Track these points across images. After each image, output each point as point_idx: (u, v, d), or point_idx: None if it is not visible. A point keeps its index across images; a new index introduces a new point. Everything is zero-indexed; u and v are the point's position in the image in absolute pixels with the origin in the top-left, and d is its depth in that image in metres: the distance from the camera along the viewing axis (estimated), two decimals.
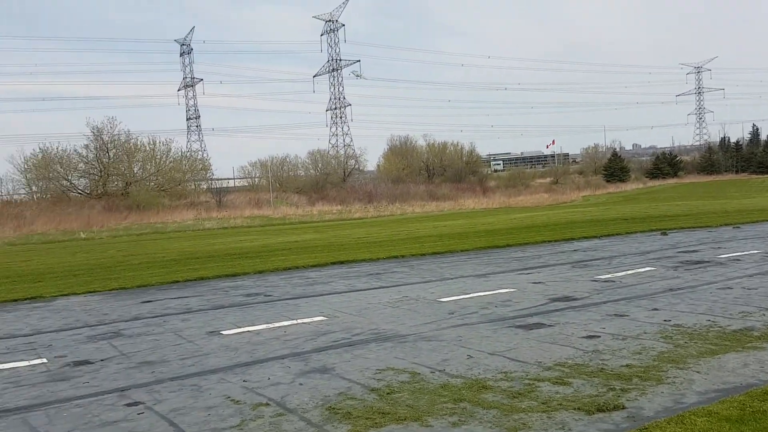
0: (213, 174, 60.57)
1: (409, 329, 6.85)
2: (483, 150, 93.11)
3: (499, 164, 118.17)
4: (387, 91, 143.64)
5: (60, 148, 44.54)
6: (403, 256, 14.19)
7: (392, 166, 66.99)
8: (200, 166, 58.24)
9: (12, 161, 44.42)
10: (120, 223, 35.33)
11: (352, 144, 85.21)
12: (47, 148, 44.16)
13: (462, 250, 14.97)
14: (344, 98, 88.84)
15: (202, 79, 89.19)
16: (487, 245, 15.71)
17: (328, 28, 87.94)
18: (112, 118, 47.08)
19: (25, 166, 43.73)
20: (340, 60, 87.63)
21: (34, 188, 44.22)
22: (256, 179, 60.73)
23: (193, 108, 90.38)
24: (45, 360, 6.22)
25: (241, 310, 8.61)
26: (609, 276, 10.14)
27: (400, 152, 70.65)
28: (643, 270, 10.64)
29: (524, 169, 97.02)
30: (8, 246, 25.56)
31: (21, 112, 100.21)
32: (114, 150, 46.10)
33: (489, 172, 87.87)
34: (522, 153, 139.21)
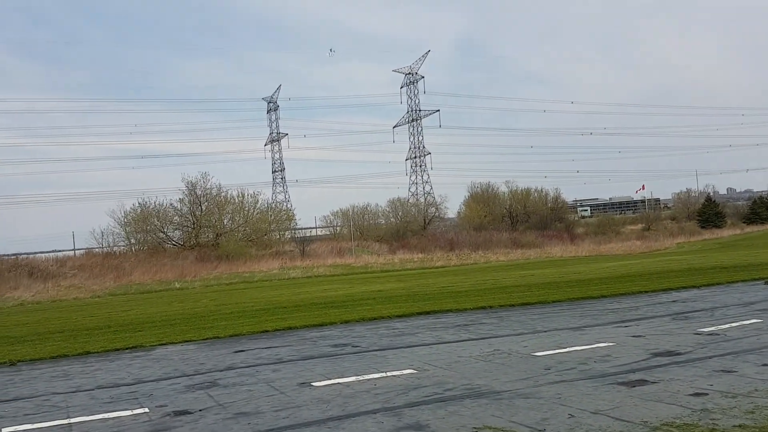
0: (297, 224, 62.14)
1: (504, 385, 6.62)
2: (569, 196, 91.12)
3: (587, 210, 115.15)
4: (467, 138, 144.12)
5: (157, 203, 47.28)
6: (491, 307, 13.88)
7: (474, 214, 66.51)
8: (285, 216, 59.94)
9: (113, 215, 47.18)
10: (211, 272, 36.64)
11: (432, 192, 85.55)
12: (145, 202, 46.92)
13: (553, 301, 14.49)
14: (424, 147, 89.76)
15: (287, 134, 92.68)
16: (580, 296, 15.15)
17: (408, 81, 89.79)
18: (205, 173, 49.72)
19: (125, 220, 46.47)
20: (420, 111, 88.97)
21: (132, 240, 46.77)
22: (338, 228, 61.79)
23: (279, 161, 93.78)
24: (147, 410, 6.41)
25: (330, 360, 8.62)
26: (713, 329, 9.51)
27: (482, 199, 70.13)
28: (748, 322, 9.93)
29: (613, 215, 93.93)
30: (110, 296, 26.97)
31: (122, 168, 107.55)
32: (206, 203, 48.26)
33: (576, 218, 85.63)
34: (610, 198, 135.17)
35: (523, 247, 48.89)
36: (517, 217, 69.80)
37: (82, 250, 48.05)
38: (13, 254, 45.75)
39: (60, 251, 48.11)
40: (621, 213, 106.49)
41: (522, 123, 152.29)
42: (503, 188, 72.97)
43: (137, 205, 47.00)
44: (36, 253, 45.63)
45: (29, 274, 32.38)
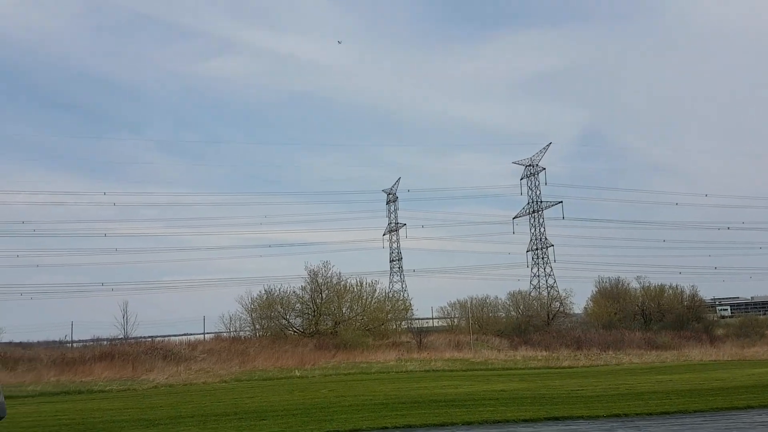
0: (413, 314, 61.82)
1: None
2: (706, 294, 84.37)
3: (726, 310, 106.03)
4: (592, 231, 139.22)
5: (281, 289, 49.00)
6: (626, 415, 12.84)
7: (602, 311, 63.09)
8: (402, 306, 59.94)
9: (241, 301, 49.39)
10: (329, 361, 36.91)
11: (555, 285, 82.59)
12: (270, 289, 48.83)
13: (695, 411, 13.20)
14: (546, 239, 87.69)
15: (405, 224, 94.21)
16: (724, 406, 13.71)
17: (528, 173, 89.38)
18: (327, 261, 51.01)
19: (251, 306, 48.47)
20: (541, 202, 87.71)
21: (257, 326, 48.51)
22: (456, 320, 60.68)
23: (396, 250, 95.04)
24: None
25: None
26: None
27: (611, 295, 66.58)
28: None
29: (756, 315, 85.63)
30: (235, 381, 27.78)
31: (251, 257, 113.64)
32: (326, 291, 49.43)
33: (715, 318, 78.91)
34: (752, 297, 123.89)
35: (658, 349, 45.41)
36: (650, 315, 65.42)
37: (211, 334, 50.46)
38: (150, 337, 48.85)
39: (191, 335, 50.79)
40: (765, 313, 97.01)
41: (652, 216, 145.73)
42: (634, 284, 69.03)
43: (263, 291, 49.01)
44: (170, 336, 48.42)
45: (164, 357, 34.21)
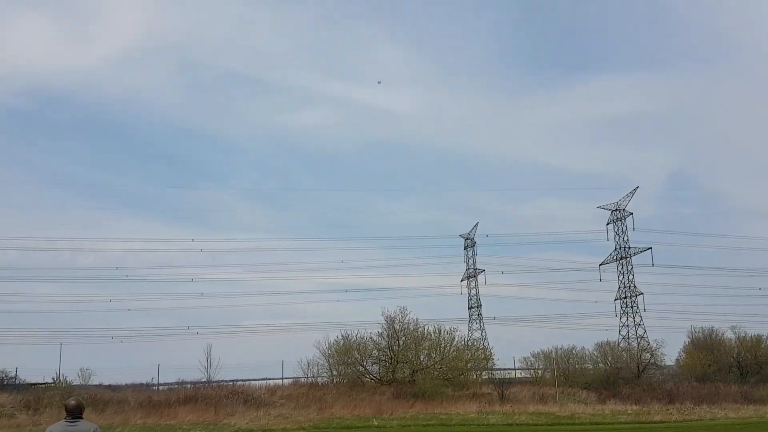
0: (494, 364, 59.96)
1: None
2: None
3: None
4: (684, 278, 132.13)
5: (358, 335, 48.72)
6: None
7: (695, 362, 59.23)
8: (482, 355, 58.33)
9: (318, 346, 49.50)
10: (407, 411, 36.13)
11: (645, 336, 78.44)
12: (348, 335, 48.66)
13: None
14: (635, 287, 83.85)
15: (483, 270, 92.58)
16: None
17: (615, 217, 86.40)
18: (403, 307, 50.43)
19: (329, 351, 48.47)
20: (629, 248, 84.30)
21: (334, 372, 48.35)
22: (539, 371, 58.44)
23: (475, 297, 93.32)
24: None
25: None
26: None
27: (704, 346, 62.50)
28: None
29: None
30: (314, 428, 27.59)
31: (328, 302, 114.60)
32: (403, 338, 48.80)
33: None
34: None
35: (756, 403, 42.08)
36: (746, 367, 60.89)
37: (290, 379, 50.71)
38: (231, 381, 49.66)
39: (270, 379, 51.23)
40: None
41: (747, 262, 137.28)
42: (729, 334, 64.62)
43: (340, 337, 48.90)
44: (250, 380, 49.05)
45: (244, 402, 34.55)
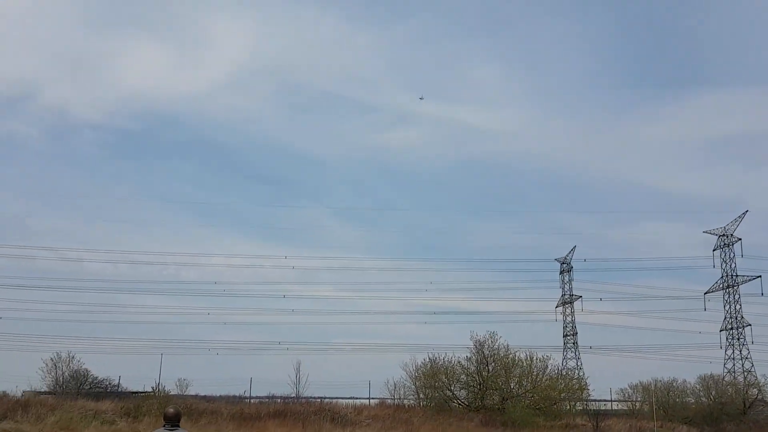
0: (589, 395, 57.34)
1: None
2: None
3: None
4: None
5: (446, 359, 47.97)
6: None
7: None
8: (576, 385, 55.97)
9: (405, 368, 49.20)
10: None
11: (753, 370, 72.82)
12: (435, 358, 48.05)
13: None
14: (742, 317, 78.24)
15: (580, 296, 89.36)
16: None
17: (722, 243, 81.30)
18: (493, 332, 49.20)
19: (416, 374, 48.02)
20: (736, 276, 78.95)
21: (421, 395, 47.81)
22: (638, 404, 55.36)
23: (571, 324, 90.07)
24: None
25: None
26: None
27: None
28: None
29: None
30: None
31: (415, 323, 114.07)
32: (493, 364, 47.62)
33: None
34: None
35: None
36: None
37: (376, 400, 50.63)
38: (318, 397, 50.21)
39: (357, 398, 51.37)
40: None
41: None
42: None
43: (427, 359, 48.35)
44: (337, 398, 49.36)
45: (331, 419, 34.79)
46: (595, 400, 57.69)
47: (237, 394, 53.77)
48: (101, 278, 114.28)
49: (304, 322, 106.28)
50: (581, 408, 52.01)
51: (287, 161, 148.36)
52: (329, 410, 37.58)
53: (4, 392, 42.37)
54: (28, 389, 46.12)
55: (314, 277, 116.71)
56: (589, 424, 44.08)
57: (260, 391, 56.52)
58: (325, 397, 48.42)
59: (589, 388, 57.28)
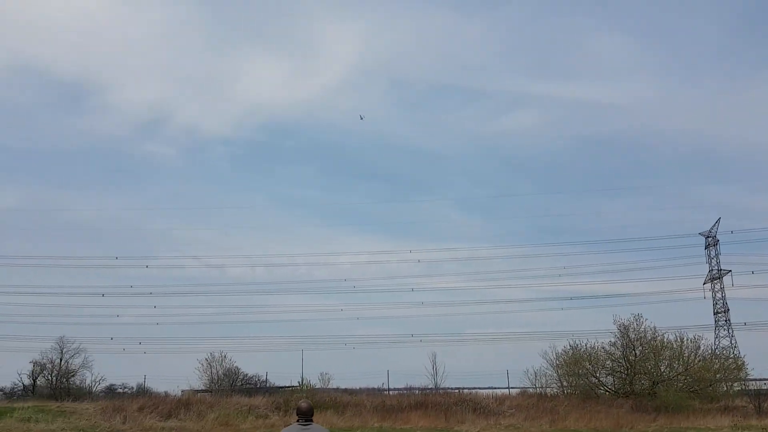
0: (747, 374, 52.87)
1: None
2: None
3: None
4: None
5: (588, 345, 46.12)
6: None
7: None
8: (733, 365, 51.80)
9: (545, 356, 47.88)
10: (649, 425, 33.30)
11: None
12: (576, 344, 46.34)
13: None
14: None
15: (730, 271, 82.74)
16: None
17: None
18: (638, 314, 46.57)
19: (557, 362, 46.58)
20: None
21: (564, 383, 46.32)
22: None
23: (721, 301, 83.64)
24: None
25: None
26: None
27: None
28: None
29: None
30: None
31: (551, 310, 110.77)
32: (640, 347, 45.21)
33: None
34: None
35: None
36: None
37: (516, 389, 49.72)
38: (457, 388, 50.08)
39: (496, 388, 50.73)
40: None
41: None
42: None
43: (568, 346, 46.79)
44: (476, 388, 49.01)
45: (473, 410, 34.52)
46: (755, 380, 53.15)
47: (376, 387, 54.96)
48: (241, 282, 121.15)
49: (434, 314, 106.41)
50: (740, 388, 48.16)
51: (404, 157, 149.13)
52: (470, 401, 37.33)
53: (165, 392, 46.09)
54: (187, 388, 49.62)
55: (440, 269, 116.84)
56: (751, 405, 40.62)
57: (398, 382, 57.37)
58: (463, 388, 48.21)
59: (747, 366, 52.94)
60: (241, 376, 55.20)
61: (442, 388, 50.92)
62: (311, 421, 6.76)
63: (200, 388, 50.61)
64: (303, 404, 6.83)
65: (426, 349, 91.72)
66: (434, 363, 54.51)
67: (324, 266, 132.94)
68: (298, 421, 6.74)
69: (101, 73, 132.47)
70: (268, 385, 54.98)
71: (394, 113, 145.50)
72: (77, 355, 58.75)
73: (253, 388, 52.06)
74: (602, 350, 45.66)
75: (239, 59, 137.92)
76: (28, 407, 36.36)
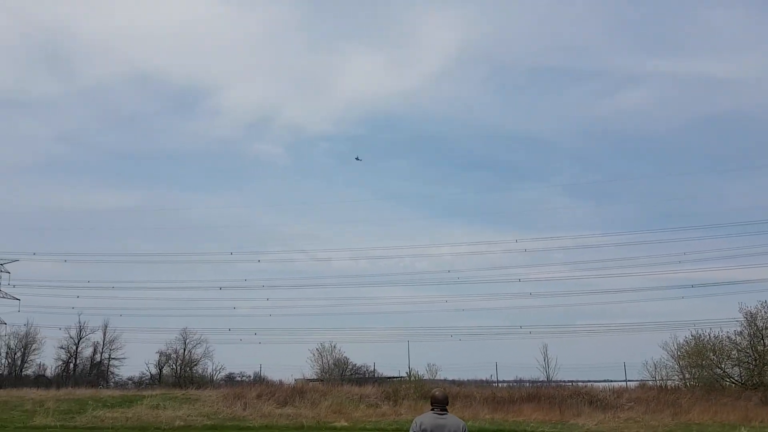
0: None
1: None
2: None
3: None
4: None
5: (712, 335, 43.43)
6: None
7: None
8: None
9: (665, 347, 45.55)
10: None
11: None
12: (699, 334, 43.76)
13: None
14: None
15: None
16: None
17: None
18: (766, 302, 43.30)
19: (678, 353, 44.21)
20: None
21: (686, 375, 43.89)
22: None
23: None
24: None
25: None
26: None
27: None
28: None
29: None
30: None
31: (671, 299, 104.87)
32: None
33: None
34: None
35: None
36: None
37: (634, 382, 47.65)
38: (570, 381, 48.67)
39: (612, 381, 48.84)
40: None
41: None
42: None
43: (690, 337, 44.28)
44: (591, 381, 47.41)
45: (589, 403, 33.36)
46: None
47: (484, 379, 54.45)
48: (347, 274, 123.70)
49: (543, 304, 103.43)
50: None
51: (507, 145, 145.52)
52: (586, 393, 36.11)
53: (280, 381, 47.86)
54: (300, 377, 51.33)
55: (547, 258, 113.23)
56: None
57: (507, 375, 56.56)
58: (577, 381, 46.84)
59: None
60: (350, 366, 56.45)
61: (555, 381, 49.66)
62: (446, 410, 6.59)
63: (312, 377, 52.21)
64: (438, 393, 6.63)
65: (535, 341, 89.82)
66: (545, 355, 53.23)
67: (427, 258, 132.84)
68: (433, 409, 6.57)
69: (210, 78, 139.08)
70: (376, 375, 55.86)
71: (496, 100, 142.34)
72: (199, 345, 62.55)
73: (362, 377, 53.05)
74: (727, 340, 42.86)
75: (339, 54, 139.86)
76: (156, 395, 38.95)
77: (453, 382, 51.87)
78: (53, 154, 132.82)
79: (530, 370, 53.91)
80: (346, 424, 30.33)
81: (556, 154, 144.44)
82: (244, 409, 34.34)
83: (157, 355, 63.28)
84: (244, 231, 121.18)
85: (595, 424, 27.30)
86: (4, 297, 73.18)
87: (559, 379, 50.34)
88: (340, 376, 51.63)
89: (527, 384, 47.79)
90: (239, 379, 60.85)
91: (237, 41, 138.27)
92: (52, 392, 40.68)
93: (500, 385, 50.59)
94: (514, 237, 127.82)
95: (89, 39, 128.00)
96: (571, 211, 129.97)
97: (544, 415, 30.75)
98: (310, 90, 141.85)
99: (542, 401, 34.17)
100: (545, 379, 50.71)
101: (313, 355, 54.36)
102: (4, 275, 73.82)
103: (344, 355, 55.66)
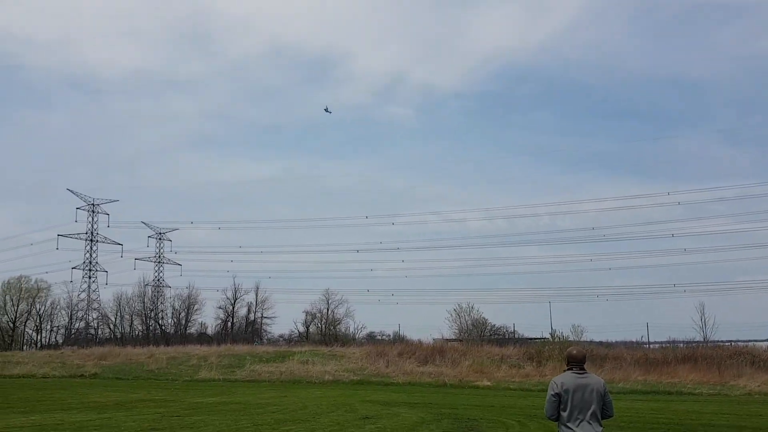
0: None
1: None
2: None
3: None
4: None
5: None
6: None
7: None
8: None
9: None
10: None
11: None
12: None
13: None
14: None
15: None
16: None
17: None
18: None
19: None
20: None
21: None
22: None
23: None
24: None
25: None
26: None
27: None
28: None
29: None
30: None
31: None
32: None
33: None
34: None
35: None
36: None
37: None
38: (729, 341, 45.17)
39: None
40: None
41: None
42: None
43: None
44: (752, 341, 43.71)
45: (751, 363, 30.81)
46: None
47: (634, 340, 51.96)
48: (482, 234, 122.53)
49: (700, 261, 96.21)
50: None
51: (655, 90, 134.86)
52: (747, 353, 33.36)
53: (419, 340, 48.64)
54: (438, 337, 51.89)
55: (705, 211, 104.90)
56: None
57: (658, 336, 53.61)
58: (737, 341, 43.36)
59: None
60: (489, 327, 56.19)
61: (712, 341, 46.33)
62: (585, 369, 6.17)
63: (450, 338, 52.60)
64: (575, 351, 6.18)
65: (690, 300, 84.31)
66: (702, 314, 49.73)
67: (568, 215, 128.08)
68: (571, 369, 6.14)
69: (341, 47, 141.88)
70: (516, 336, 55.17)
71: (642, 43, 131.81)
72: (341, 305, 65.30)
73: (502, 338, 52.61)
74: None
75: (469, 8, 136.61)
76: (305, 351, 41.20)
77: (600, 343, 49.95)
78: (202, 130, 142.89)
79: (684, 330, 50.69)
80: (489, 383, 30.25)
81: (712, 98, 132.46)
82: (387, 366, 35.34)
83: (304, 314, 66.97)
84: (378, 195, 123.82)
85: (758, 386, 25.12)
86: (167, 263, 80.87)
87: (716, 339, 46.97)
88: (479, 336, 51.56)
89: (681, 344, 44.93)
90: (379, 337, 62.79)
91: (364, 8, 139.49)
92: (214, 348, 44.40)
93: (652, 346, 48.07)
94: (665, 189, 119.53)
95: (230, 17, 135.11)
96: (729, 158, 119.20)
97: (702, 377, 28.80)
98: (439, 48, 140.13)
99: (699, 362, 32.00)
100: (701, 339, 47.52)
101: (451, 315, 54.70)
102: (167, 243, 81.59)
103: (482, 315, 55.48)
